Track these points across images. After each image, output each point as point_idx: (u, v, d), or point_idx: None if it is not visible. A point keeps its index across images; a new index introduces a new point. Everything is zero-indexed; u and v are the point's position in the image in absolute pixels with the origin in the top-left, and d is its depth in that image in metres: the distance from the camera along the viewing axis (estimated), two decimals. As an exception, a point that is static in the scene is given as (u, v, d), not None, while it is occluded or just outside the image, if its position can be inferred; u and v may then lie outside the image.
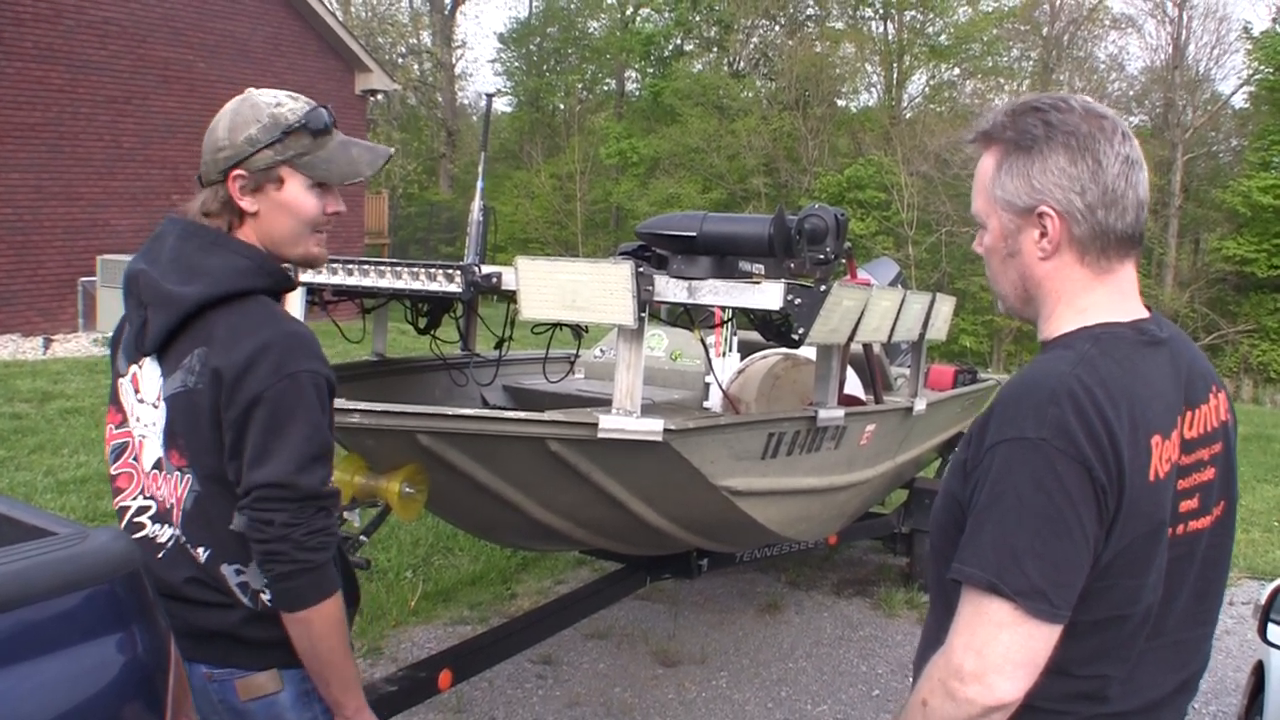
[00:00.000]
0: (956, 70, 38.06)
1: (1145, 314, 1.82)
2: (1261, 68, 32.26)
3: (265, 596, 2.33)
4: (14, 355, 14.63)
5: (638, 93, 42.76)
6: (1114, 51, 51.85)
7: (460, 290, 4.04)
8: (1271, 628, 3.34)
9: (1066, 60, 36.85)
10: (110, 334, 2.57)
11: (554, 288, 3.71)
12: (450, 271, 4.11)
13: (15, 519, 1.89)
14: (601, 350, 6.72)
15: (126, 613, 1.71)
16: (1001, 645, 1.63)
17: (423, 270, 4.17)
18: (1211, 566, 1.87)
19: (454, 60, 44.30)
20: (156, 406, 2.34)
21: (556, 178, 39.49)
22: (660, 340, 6.83)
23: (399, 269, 4.22)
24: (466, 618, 6.23)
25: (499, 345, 5.17)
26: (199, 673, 2.37)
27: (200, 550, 2.32)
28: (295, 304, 4.49)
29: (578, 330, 5.06)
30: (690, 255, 3.89)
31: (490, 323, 5.38)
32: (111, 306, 15.95)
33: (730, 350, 6.75)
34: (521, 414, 3.72)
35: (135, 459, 2.40)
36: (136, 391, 2.39)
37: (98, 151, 17.00)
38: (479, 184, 5.70)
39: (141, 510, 2.39)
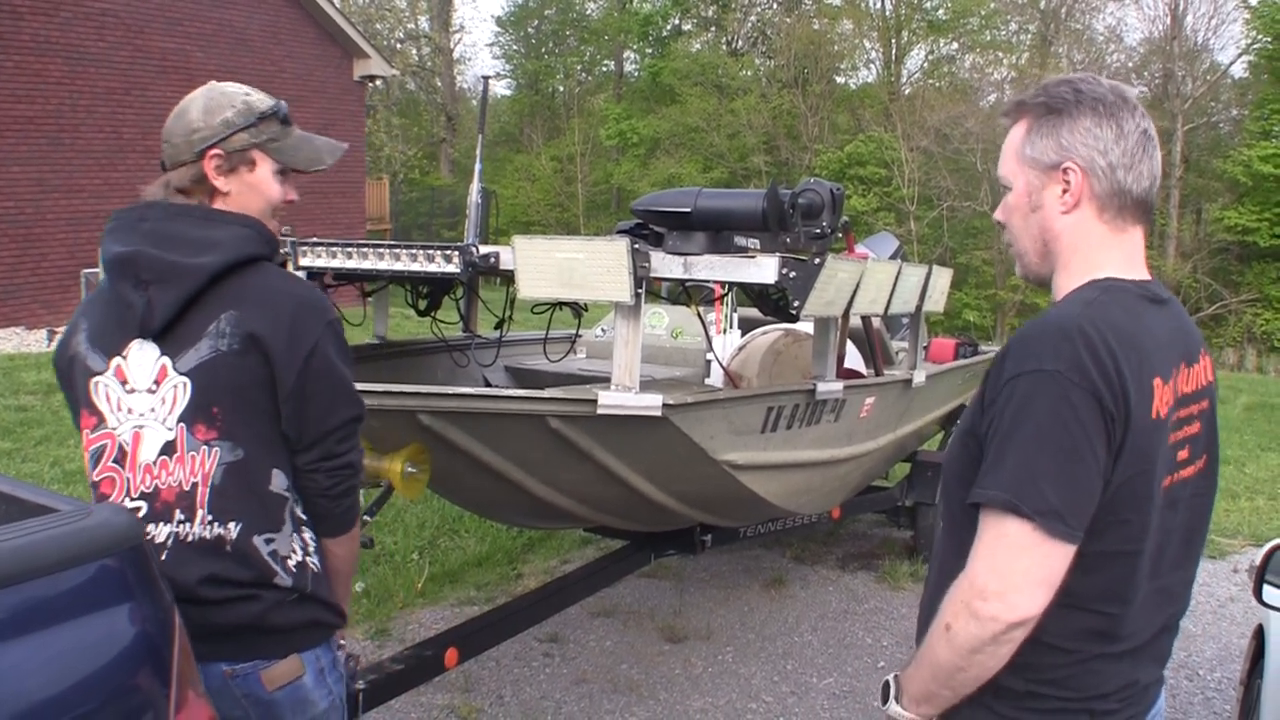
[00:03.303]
0: (955, 45, 37.93)
1: (1149, 278, 1.97)
2: (1260, 37, 32.09)
3: (293, 561, 2.40)
4: (18, 348, 14.64)
5: (637, 73, 42.68)
6: (1112, 23, 51.91)
7: (458, 270, 4.05)
8: (1267, 589, 3.35)
9: (1065, 33, 36.70)
10: (56, 343, 2.50)
11: (551, 266, 3.72)
12: (449, 252, 4.12)
13: (18, 497, 1.92)
14: (603, 329, 6.75)
15: (130, 586, 1.74)
16: (1022, 564, 1.75)
17: (421, 252, 4.17)
18: (1196, 515, 2.00)
19: (452, 45, 44.27)
20: (154, 390, 2.33)
21: (557, 160, 39.46)
22: (661, 319, 6.85)
23: (398, 251, 4.23)
24: (473, 599, 6.26)
25: (499, 325, 5.19)
26: (217, 672, 2.34)
27: (231, 526, 2.32)
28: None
29: (577, 309, 5.08)
30: (686, 231, 3.91)
31: (492, 305, 5.41)
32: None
33: (731, 327, 6.77)
34: (521, 392, 3.74)
35: (118, 460, 2.35)
36: (124, 383, 2.36)
37: (98, 143, 16.98)
38: (477, 166, 5.71)
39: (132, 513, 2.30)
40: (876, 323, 6.08)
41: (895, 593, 6.75)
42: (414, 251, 4.18)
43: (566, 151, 39.07)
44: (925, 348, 7.47)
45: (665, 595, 6.53)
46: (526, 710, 4.99)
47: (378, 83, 27.21)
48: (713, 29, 41.10)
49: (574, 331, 6.25)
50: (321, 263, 4.40)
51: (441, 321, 5.28)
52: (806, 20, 37.11)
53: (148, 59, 17.66)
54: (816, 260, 3.76)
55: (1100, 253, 1.94)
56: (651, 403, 3.59)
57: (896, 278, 4.81)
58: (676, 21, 41.13)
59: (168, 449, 2.32)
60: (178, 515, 2.31)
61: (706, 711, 5.07)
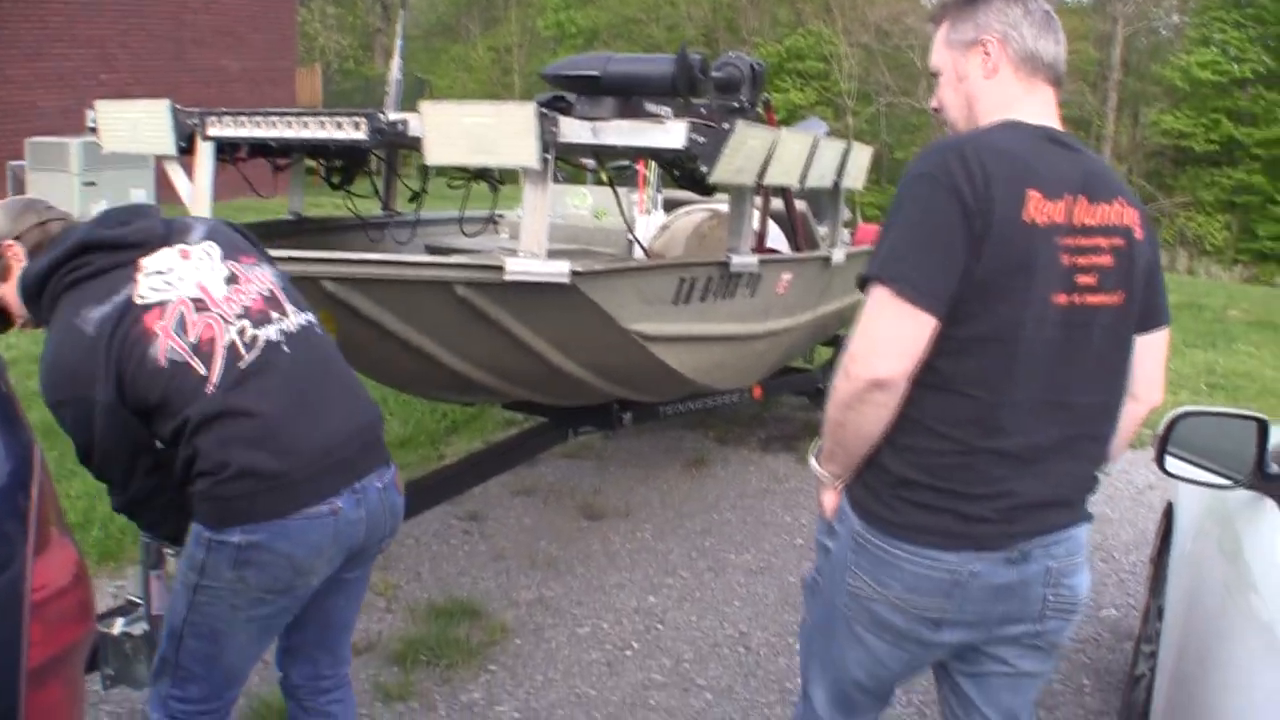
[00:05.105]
0: (899, -60, 37.55)
1: (1059, 128, 2.26)
2: (1205, -57, 32.05)
3: None
4: (-64, 236, 14.29)
5: (576, -37, 41.91)
6: (1057, -80, 51.31)
7: (365, 137, 3.97)
8: (1169, 459, 3.39)
9: (1009, -71, 36.37)
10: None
11: (459, 131, 3.66)
12: (356, 119, 4.02)
13: None
14: (525, 210, 6.68)
15: None
16: (879, 327, 2.05)
17: (329, 119, 4.08)
18: (1111, 345, 2.23)
19: (388, -69, 43.09)
20: (188, 256, 2.61)
21: (494, 50, 38.84)
22: (585, 199, 6.80)
23: (305, 119, 4.13)
24: (394, 479, 6.25)
25: (415, 198, 5.12)
26: (373, 490, 2.60)
27: (307, 314, 2.70)
28: (204, 160, 4.39)
29: (494, 183, 5.01)
30: (596, 97, 3.85)
31: (414, 185, 5.32)
32: (42, 190, 15.50)
33: (655, 208, 6.74)
34: (427, 258, 3.71)
35: (203, 306, 2.53)
36: (162, 273, 2.57)
37: (24, 32, 16.37)
38: (398, 43, 5.60)
39: (240, 332, 2.53)
40: (801, 205, 6.07)
41: (815, 474, 6.80)
42: (321, 119, 4.09)
43: (504, 42, 38.46)
44: (852, 231, 7.47)
45: (586, 474, 6.55)
46: (443, 585, 5.01)
47: (309, -33, 26.52)
48: (654, -82, 40.35)
49: (492, 209, 6.17)
50: (229, 132, 4.30)
51: (357, 195, 5.20)
52: (750, -89, 36.55)
53: (73, -57, 17.04)
54: (725, 125, 3.72)
55: (1017, 105, 2.24)
56: (559, 269, 3.56)
57: (812, 150, 4.77)
58: (618, -91, 40.34)
59: (230, 278, 2.60)
60: (274, 315, 2.60)
61: (623, 586, 5.12)
